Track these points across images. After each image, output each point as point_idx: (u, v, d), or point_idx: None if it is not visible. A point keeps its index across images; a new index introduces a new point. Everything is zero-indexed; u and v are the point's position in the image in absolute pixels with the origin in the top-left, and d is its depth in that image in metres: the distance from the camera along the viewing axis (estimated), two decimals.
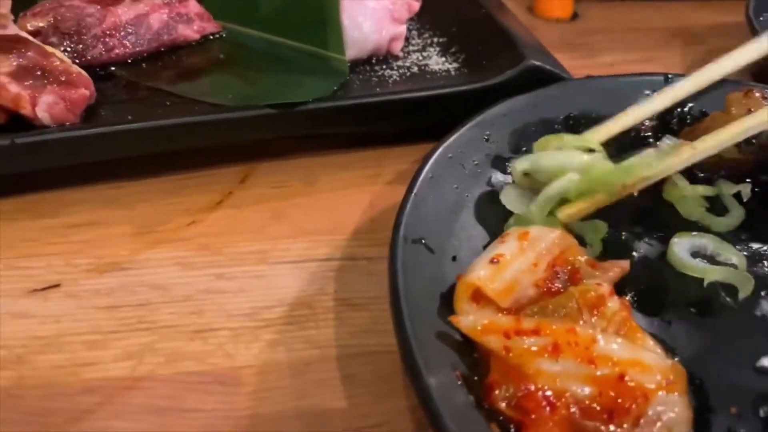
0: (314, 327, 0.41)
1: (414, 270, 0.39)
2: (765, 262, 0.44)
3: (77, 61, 0.56)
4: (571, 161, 0.45)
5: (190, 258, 0.46)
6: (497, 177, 0.48)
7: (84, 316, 0.42)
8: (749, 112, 0.45)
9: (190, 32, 0.58)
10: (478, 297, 0.38)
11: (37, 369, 0.38)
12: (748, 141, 0.45)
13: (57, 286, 0.44)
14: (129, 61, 0.57)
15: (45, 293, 0.43)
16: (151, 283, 0.44)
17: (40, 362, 0.39)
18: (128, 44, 0.56)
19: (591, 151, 0.47)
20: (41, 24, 0.57)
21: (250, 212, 0.50)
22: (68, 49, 0.55)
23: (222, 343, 0.41)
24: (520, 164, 0.46)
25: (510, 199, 0.46)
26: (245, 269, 0.45)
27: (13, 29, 0.52)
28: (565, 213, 0.45)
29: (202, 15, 0.59)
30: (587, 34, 0.75)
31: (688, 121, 0.54)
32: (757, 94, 0.46)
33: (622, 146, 0.52)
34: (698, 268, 0.43)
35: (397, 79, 0.57)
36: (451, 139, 0.47)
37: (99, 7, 0.57)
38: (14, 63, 0.49)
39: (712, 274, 0.43)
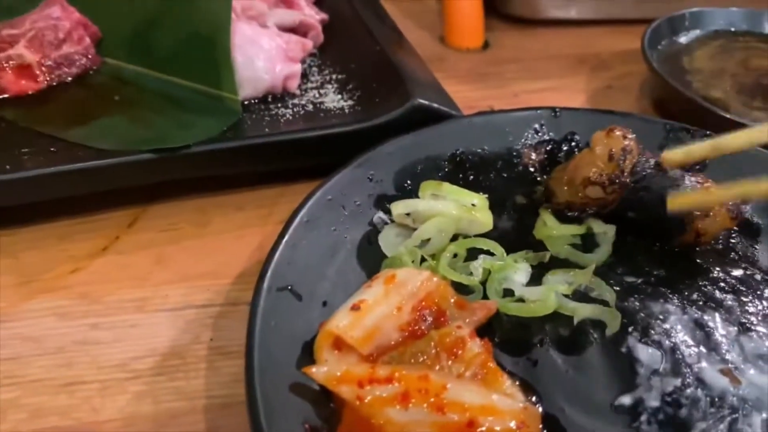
0: (184, 378, 0.41)
1: (278, 319, 0.39)
2: (636, 296, 0.45)
3: None
4: (445, 209, 0.46)
5: (68, 308, 0.46)
6: (380, 217, 0.49)
7: None
8: (610, 151, 0.46)
9: None
10: (340, 344, 0.39)
11: None
12: (611, 181, 0.46)
13: None
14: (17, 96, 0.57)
15: None
16: (26, 335, 0.44)
17: None
18: None
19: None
20: None
21: (135, 258, 0.50)
22: None
23: (89, 397, 0.40)
24: (397, 208, 0.47)
25: (387, 240, 0.47)
26: (122, 318, 0.45)
27: None
28: None
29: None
30: (497, 64, 0.76)
31: (575, 153, 0.55)
32: (618, 133, 0.47)
33: (509, 181, 0.53)
34: (568, 306, 0.44)
35: (290, 117, 0.57)
36: (332, 181, 0.48)
37: None
38: None
39: (581, 311, 0.43)
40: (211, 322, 0.45)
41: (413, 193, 0.50)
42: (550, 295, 0.43)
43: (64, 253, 0.50)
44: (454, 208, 0.47)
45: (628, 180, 0.46)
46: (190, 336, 0.44)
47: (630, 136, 0.47)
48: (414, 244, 0.45)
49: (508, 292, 0.45)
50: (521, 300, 0.44)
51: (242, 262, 0.50)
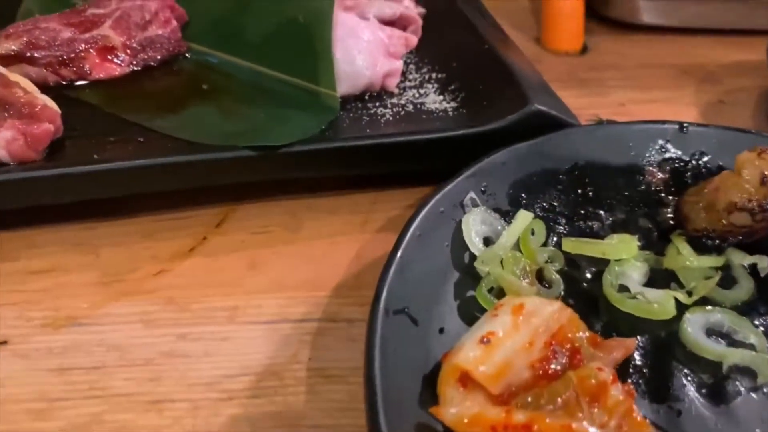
0: (282, 402, 0.37)
1: (395, 346, 0.35)
2: None
3: (49, 81, 0.53)
4: None
5: (154, 314, 0.42)
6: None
7: (31, 380, 0.38)
8: (762, 174, 0.41)
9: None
10: (466, 380, 0.34)
11: None
12: (762, 208, 0.41)
13: (4, 343, 0.40)
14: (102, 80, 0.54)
15: None
16: (110, 342, 0.40)
17: None
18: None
19: None
20: (14, 47, 0.53)
21: (224, 261, 0.46)
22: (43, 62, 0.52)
23: (179, 417, 0.36)
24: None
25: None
26: (212, 329, 0.41)
27: None
28: None
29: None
30: (597, 70, 0.71)
31: (703, 173, 0.50)
32: None
33: (632, 200, 0.48)
34: (716, 351, 0.39)
35: (390, 118, 0.53)
36: (443, 191, 0.43)
37: (77, 31, 0.54)
38: None
39: (731, 357, 0.38)
40: (309, 339, 0.41)
41: (529, 208, 0.46)
42: (670, 300, 0.40)
43: (148, 251, 0.46)
44: None
45: None
46: (287, 354, 0.40)
47: None
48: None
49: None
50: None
51: (340, 272, 0.46)
